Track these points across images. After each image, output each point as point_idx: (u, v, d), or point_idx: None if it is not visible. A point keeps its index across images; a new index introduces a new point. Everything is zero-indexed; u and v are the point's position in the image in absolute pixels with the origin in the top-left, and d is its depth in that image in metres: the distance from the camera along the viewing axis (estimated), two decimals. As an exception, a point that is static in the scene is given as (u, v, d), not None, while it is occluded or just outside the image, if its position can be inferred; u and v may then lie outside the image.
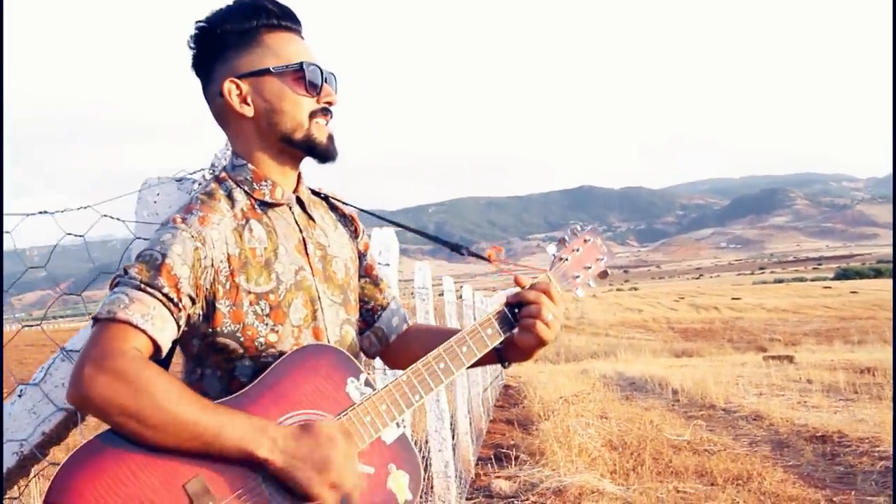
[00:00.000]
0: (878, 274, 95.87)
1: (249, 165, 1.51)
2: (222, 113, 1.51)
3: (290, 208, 1.54)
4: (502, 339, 1.54)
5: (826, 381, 11.55)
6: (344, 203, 1.73)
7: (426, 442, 4.52)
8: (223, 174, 1.53)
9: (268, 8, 1.47)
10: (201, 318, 1.41)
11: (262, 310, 1.43)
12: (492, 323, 1.53)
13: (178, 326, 1.36)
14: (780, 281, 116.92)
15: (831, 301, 53.84)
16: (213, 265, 1.39)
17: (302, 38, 1.52)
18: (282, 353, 1.41)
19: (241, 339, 1.41)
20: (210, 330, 1.41)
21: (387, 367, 2.15)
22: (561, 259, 1.62)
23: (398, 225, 1.79)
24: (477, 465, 6.63)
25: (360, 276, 1.72)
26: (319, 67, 1.50)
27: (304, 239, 1.54)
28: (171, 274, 1.33)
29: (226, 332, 1.41)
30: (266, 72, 1.46)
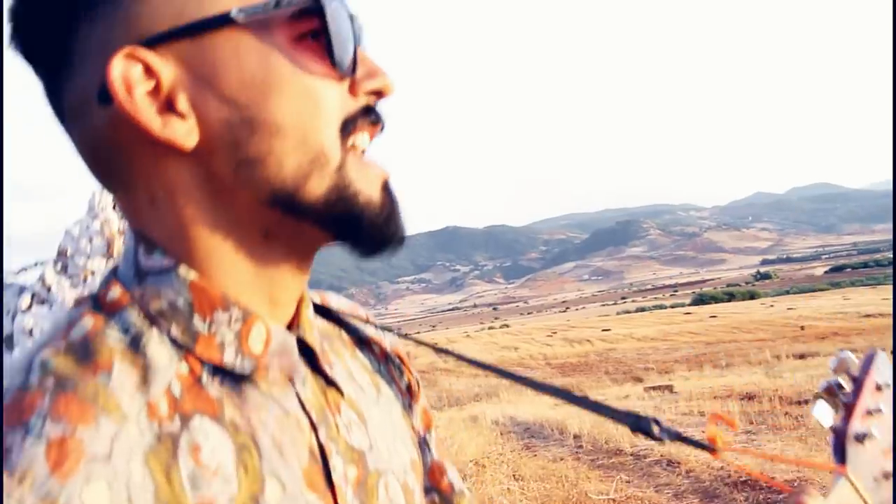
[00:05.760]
0: (731, 297, 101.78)
1: (183, 273, 0.56)
2: (106, 142, 0.55)
3: (291, 379, 0.62)
4: None
5: (717, 412, 11.61)
6: (378, 327, 0.80)
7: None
8: (117, 292, 0.57)
9: None
10: None
11: None
12: None
13: None
14: (643, 309, 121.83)
15: (694, 326, 56.30)
16: None
17: None
18: None
19: None
20: None
21: None
22: (857, 438, 0.72)
23: (454, 355, 0.77)
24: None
25: (426, 491, 0.80)
26: (346, 8, 0.58)
27: (320, 447, 0.61)
28: None
29: None
30: (225, 22, 0.53)
